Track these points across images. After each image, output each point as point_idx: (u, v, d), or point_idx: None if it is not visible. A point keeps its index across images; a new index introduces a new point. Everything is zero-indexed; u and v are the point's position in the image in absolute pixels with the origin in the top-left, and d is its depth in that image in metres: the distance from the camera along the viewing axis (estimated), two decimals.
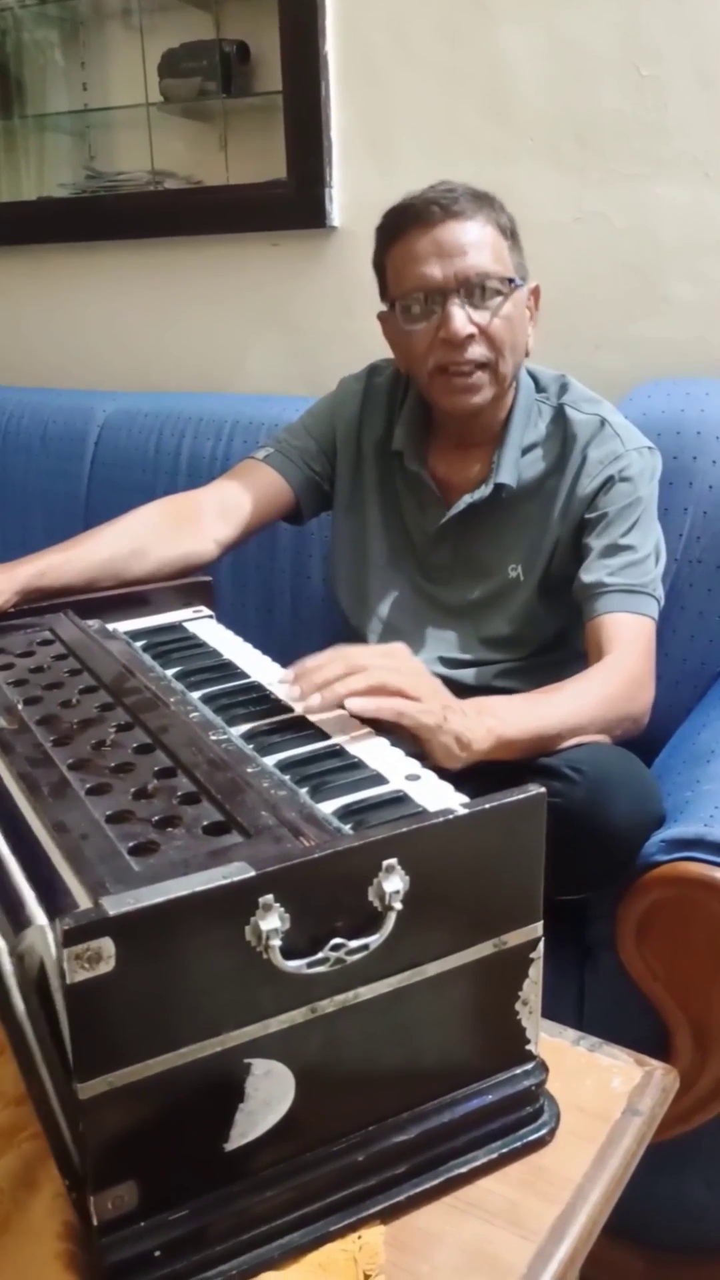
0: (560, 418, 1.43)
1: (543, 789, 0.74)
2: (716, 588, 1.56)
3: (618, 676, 1.26)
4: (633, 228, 1.82)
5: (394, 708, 0.98)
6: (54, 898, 0.69)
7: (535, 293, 1.42)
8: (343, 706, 0.97)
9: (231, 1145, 0.69)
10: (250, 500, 1.49)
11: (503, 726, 1.10)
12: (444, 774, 0.87)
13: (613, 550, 1.35)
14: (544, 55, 1.82)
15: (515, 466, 1.42)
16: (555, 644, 1.46)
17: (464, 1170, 0.78)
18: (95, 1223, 0.65)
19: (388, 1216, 0.75)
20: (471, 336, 1.33)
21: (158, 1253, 0.67)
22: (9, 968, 0.61)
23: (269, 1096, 0.69)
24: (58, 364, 2.51)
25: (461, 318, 1.32)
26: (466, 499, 1.43)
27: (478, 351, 1.34)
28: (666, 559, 1.41)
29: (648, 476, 1.39)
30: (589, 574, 1.34)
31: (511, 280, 1.35)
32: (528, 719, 1.15)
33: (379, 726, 0.98)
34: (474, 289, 1.32)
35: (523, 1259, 0.72)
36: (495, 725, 1.09)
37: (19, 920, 0.64)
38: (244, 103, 2.16)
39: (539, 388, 1.46)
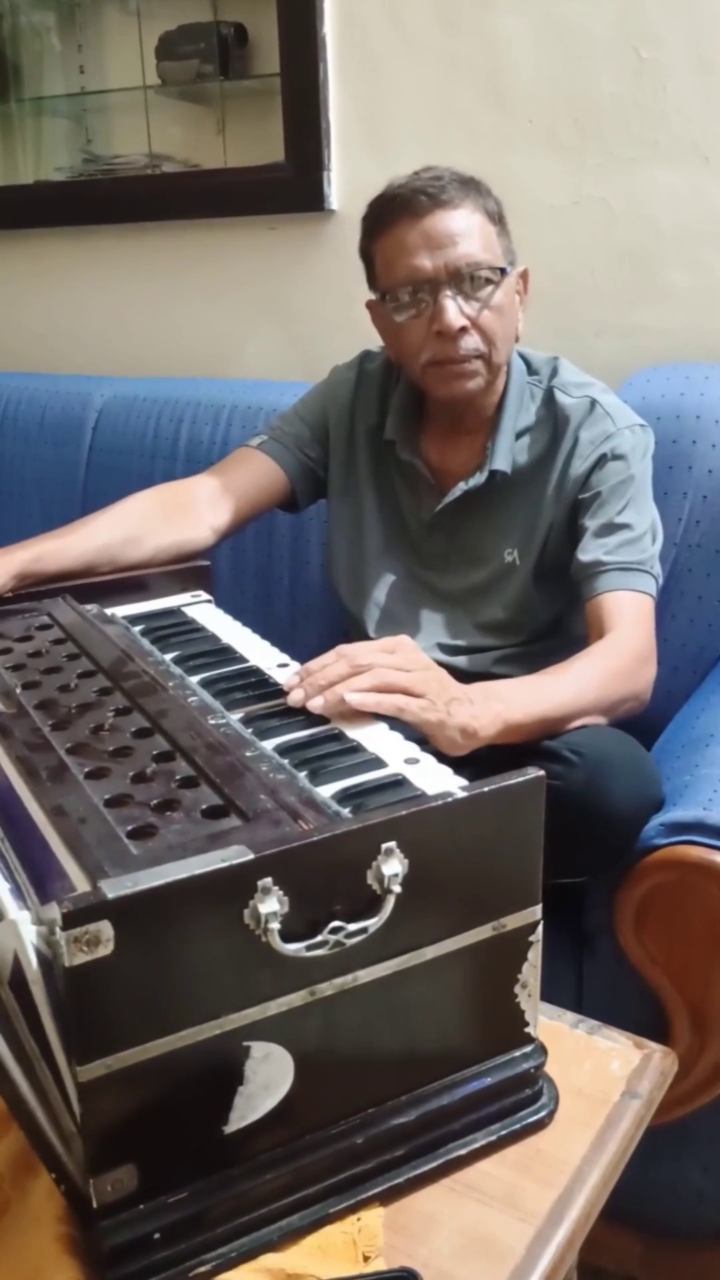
0: (551, 402, 1.42)
1: (542, 772, 0.74)
2: (716, 572, 1.56)
3: (620, 654, 1.25)
4: (631, 213, 1.81)
5: (395, 704, 0.98)
6: (52, 881, 0.69)
7: (524, 276, 1.42)
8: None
9: (231, 1128, 0.69)
10: (245, 487, 1.48)
11: (509, 711, 1.10)
12: (443, 757, 0.87)
13: (609, 529, 1.34)
14: (542, 38, 1.81)
15: (509, 452, 1.42)
16: (551, 630, 1.46)
17: (463, 1153, 0.78)
18: (94, 1206, 0.65)
19: (387, 1199, 0.75)
20: (465, 329, 1.32)
21: (157, 1235, 0.67)
22: None
23: (268, 1079, 0.69)
24: (55, 349, 2.50)
25: (454, 310, 1.31)
26: (461, 486, 1.43)
27: (471, 343, 1.34)
28: (666, 543, 1.41)
29: (640, 453, 1.39)
30: (586, 553, 1.34)
31: (502, 270, 1.34)
32: (533, 702, 1.14)
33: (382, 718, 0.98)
34: (464, 279, 1.31)
35: (521, 1241, 0.72)
36: (502, 710, 1.09)
37: None
38: (242, 86, 2.15)
39: (531, 370, 1.46)
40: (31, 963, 0.62)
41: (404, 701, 0.99)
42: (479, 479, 1.42)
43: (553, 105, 1.83)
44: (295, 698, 0.97)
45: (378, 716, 0.96)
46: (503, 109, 1.87)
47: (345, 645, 1.01)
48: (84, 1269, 0.67)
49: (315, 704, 0.95)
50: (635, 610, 1.30)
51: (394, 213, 1.34)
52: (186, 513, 1.43)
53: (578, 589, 1.35)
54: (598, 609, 1.31)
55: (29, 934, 0.63)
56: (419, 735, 0.94)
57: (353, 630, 1.54)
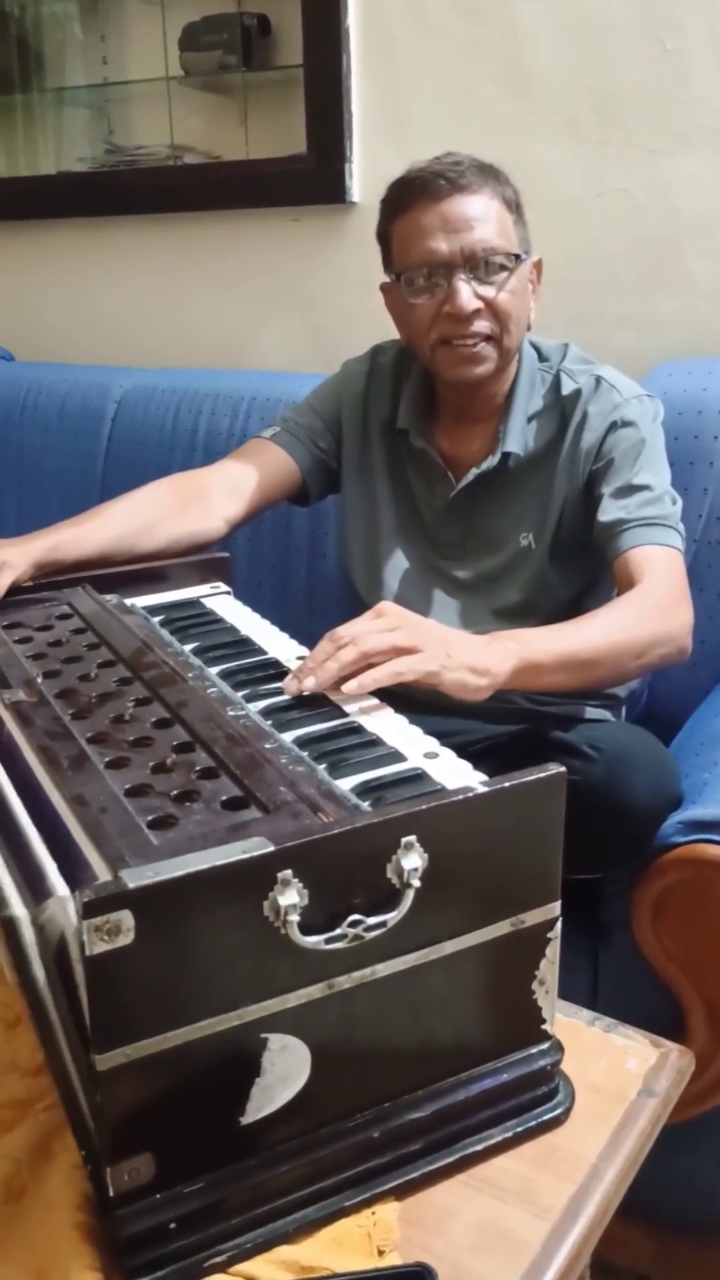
0: (557, 386, 1.42)
1: (562, 768, 0.74)
2: None
3: (652, 595, 1.22)
4: (653, 203, 1.80)
5: (390, 670, 0.98)
6: (73, 870, 0.69)
7: (538, 266, 1.42)
8: (339, 690, 0.97)
9: (247, 1119, 0.69)
10: (257, 478, 1.48)
11: (525, 649, 1.08)
12: (462, 753, 0.87)
13: (627, 490, 1.33)
14: (564, 28, 1.80)
15: (521, 434, 1.42)
16: (569, 613, 1.45)
17: (478, 1148, 0.78)
18: (111, 1194, 0.65)
19: (402, 1193, 0.75)
20: (477, 311, 1.32)
21: (173, 1225, 0.67)
22: (30, 938, 0.61)
23: (285, 1071, 0.69)
24: (75, 340, 2.50)
25: (467, 293, 1.31)
26: (474, 471, 1.43)
27: (482, 325, 1.34)
28: (686, 538, 1.40)
29: (650, 419, 1.38)
30: (607, 514, 1.32)
31: (517, 256, 1.34)
32: (554, 640, 1.12)
33: (393, 694, 0.98)
34: (479, 264, 1.32)
35: (537, 1237, 0.72)
36: (516, 647, 1.07)
37: (40, 891, 0.64)
38: (264, 76, 2.14)
39: (541, 358, 1.46)
40: (76, 941, 0.62)
41: (399, 665, 0.98)
42: (491, 461, 1.42)
43: (575, 95, 1.82)
44: (288, 688, 0.98)
45: (402, 696, 0.96)
46: (525, 99, 1.86)
47: (335, 629, 1.01)
48: (100, 1257, 0.67)
49: (309, 684, 0.96)
50: (664, 562, 1.27)
51: (413, 195, 1.34)
52: (200, 503, 1.44)
53: (602, 553, 1.33)
54: (625, 566, 1.28)
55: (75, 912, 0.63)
56: (438, 730, 0.94)
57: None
